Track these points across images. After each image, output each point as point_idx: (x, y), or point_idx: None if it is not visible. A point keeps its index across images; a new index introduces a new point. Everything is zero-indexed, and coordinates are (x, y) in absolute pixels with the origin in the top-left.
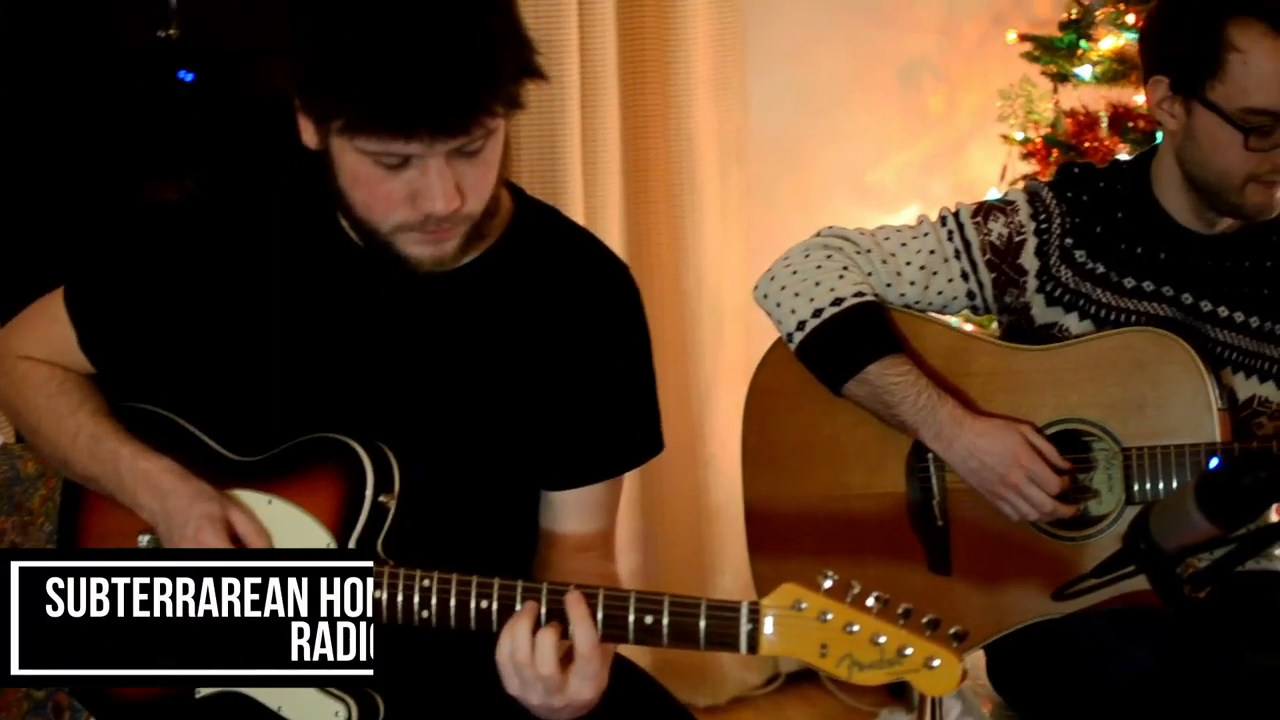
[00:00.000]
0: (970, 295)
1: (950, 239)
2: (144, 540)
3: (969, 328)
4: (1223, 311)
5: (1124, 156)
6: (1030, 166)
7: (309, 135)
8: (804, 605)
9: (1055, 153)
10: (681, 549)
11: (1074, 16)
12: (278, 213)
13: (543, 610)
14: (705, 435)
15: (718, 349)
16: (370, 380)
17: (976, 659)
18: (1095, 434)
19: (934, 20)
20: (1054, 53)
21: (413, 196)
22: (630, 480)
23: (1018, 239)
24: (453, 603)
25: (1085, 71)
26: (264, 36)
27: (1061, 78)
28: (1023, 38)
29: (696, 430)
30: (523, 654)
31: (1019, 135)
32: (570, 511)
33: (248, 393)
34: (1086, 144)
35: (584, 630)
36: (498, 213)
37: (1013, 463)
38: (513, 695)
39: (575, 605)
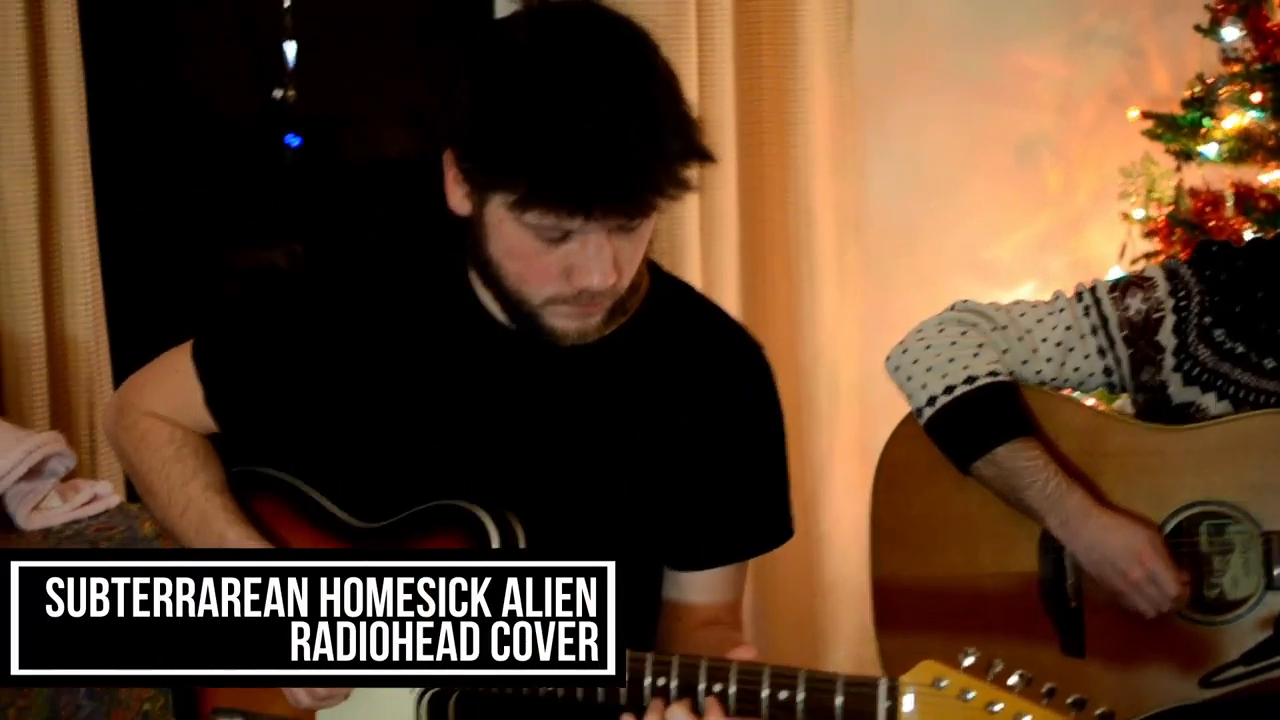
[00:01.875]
0: (1107, 372)
1: (1087, 314)
2: None
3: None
4: None
5: (1248, 234)
6: (1152, 245)
7: (458, 201)
8: (944, 683)
9: (1179, 231)
10: (794, 625)
11: (1197, 94)
12: (409, 277)
13: (673, 684)
14: (819, 511)
15: (833, 424)
16: (497, 449)
17: None
18: (1234, 516)
19: (1051, 98)
20: (1177, 130)
21: (569, 271)
22: None
23: (1155, 315)
24: None
25: (1210, 150)
26: (376, 102)
27: (1185, 156)
28: (1144, 115)
29: (810, 506)
30: None
31: (1139, 213)
32: (697, 587)
33: (372, 457)
34: (1211, 223)
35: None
36: (640, 288)
37: (1135, 560)
38: None
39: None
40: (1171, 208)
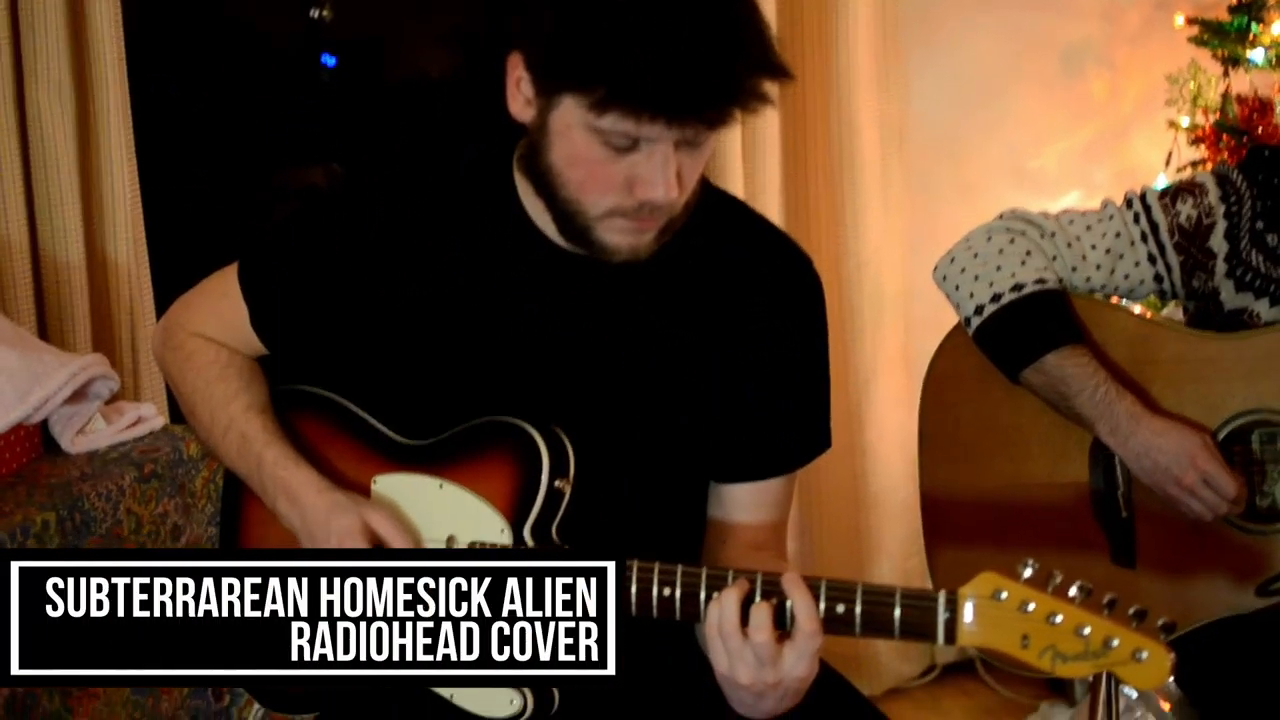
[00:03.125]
0: (1158, 279)
1: (1137, 221)
2: None
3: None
4: None
5: None
6: (1199, 152)
7: (520, 108)
8: (1004, 595)
9: (1226, 138)
10: (839, 538)
11: (1244, 0)
12: (454, 191)
13: (757, 590)
14: (864, 423)
15: (877, 336)
16: (545, 365)
17: None
18: None
19: (1096, 5)
20: (1224, 37)
21: (632, 182)
22: None
23: (1207, 221)
24: (633, 590)
25: (1258, 55)
26: (413, 22)
27: (1233, 62)
28: (1190, 21)
29: (855, 418)
30: (730, 623)
31: (1185, 121)
32: (742, 504)
33: (419, 375)
34: (1259, 129)
35: (805, 606)
36: (690, 206)
37: (1189, 464)
38: (720, 677)
39: (795, 585)
40: (1218, 115)
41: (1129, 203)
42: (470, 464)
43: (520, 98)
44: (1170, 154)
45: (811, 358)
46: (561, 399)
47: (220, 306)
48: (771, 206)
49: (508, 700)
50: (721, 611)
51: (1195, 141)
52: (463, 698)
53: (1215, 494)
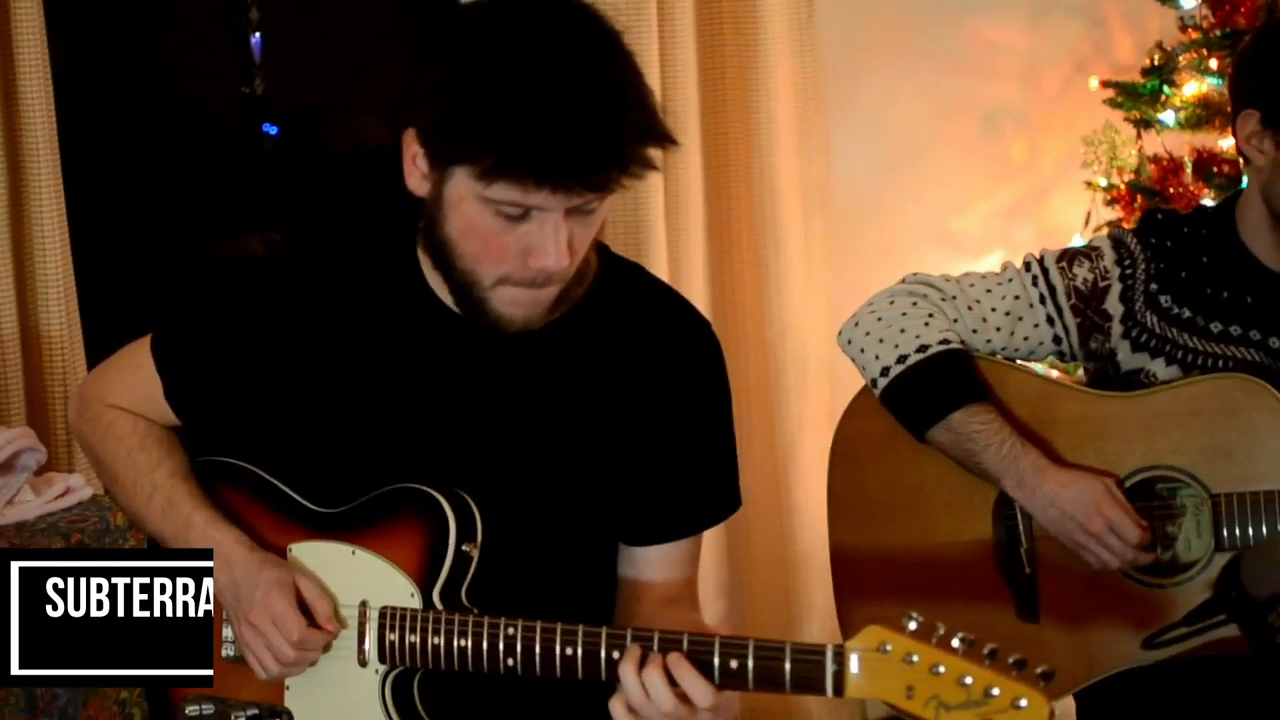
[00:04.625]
0: (1057, 340)
1: (1035, 284)
2: (228, 632)
3: (1055, 374)
4: None
5: (1208, 202)
6: (1115, 213)
7: (416, 182)
8: (889, 647)
9: (1140, 198)
10: (768, 597)
11: (1156, 62)
12: (359, 265)
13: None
14: (790, 484)
15: (802, 398)
16: (452, 433)
17: (1067, 706)
18: (1183, 480)
19: (1015, 69)
20: (1137, 99)
21: (525, 251)
22: (716, 529)
23: (1102, 284)
24: (537, 649)
25: (1169, 117)
26: (347, 91)
27: (1145, 124)
28: (1105, 84)
29: (782, 479)
30: (637, 697)
31: (1103, 181)
32: (653, 564)
33: (330, 444)
34: (1171, 190)
35: (695, 684)
36: (586, 277)
37: (1094, 512)
38: None
39: (678, 664)
40: (1134, 176)
41: (1028, 266)
42: (381, 530)
43: (416, 173)
44: (1088, 214)
45: (714, 421)
46: (469, 466)
47: (135, 378)
48: (695, 270)
49: None
50: (624, 687)
51: (1111, 202)
52: None
53: (1121, 541)
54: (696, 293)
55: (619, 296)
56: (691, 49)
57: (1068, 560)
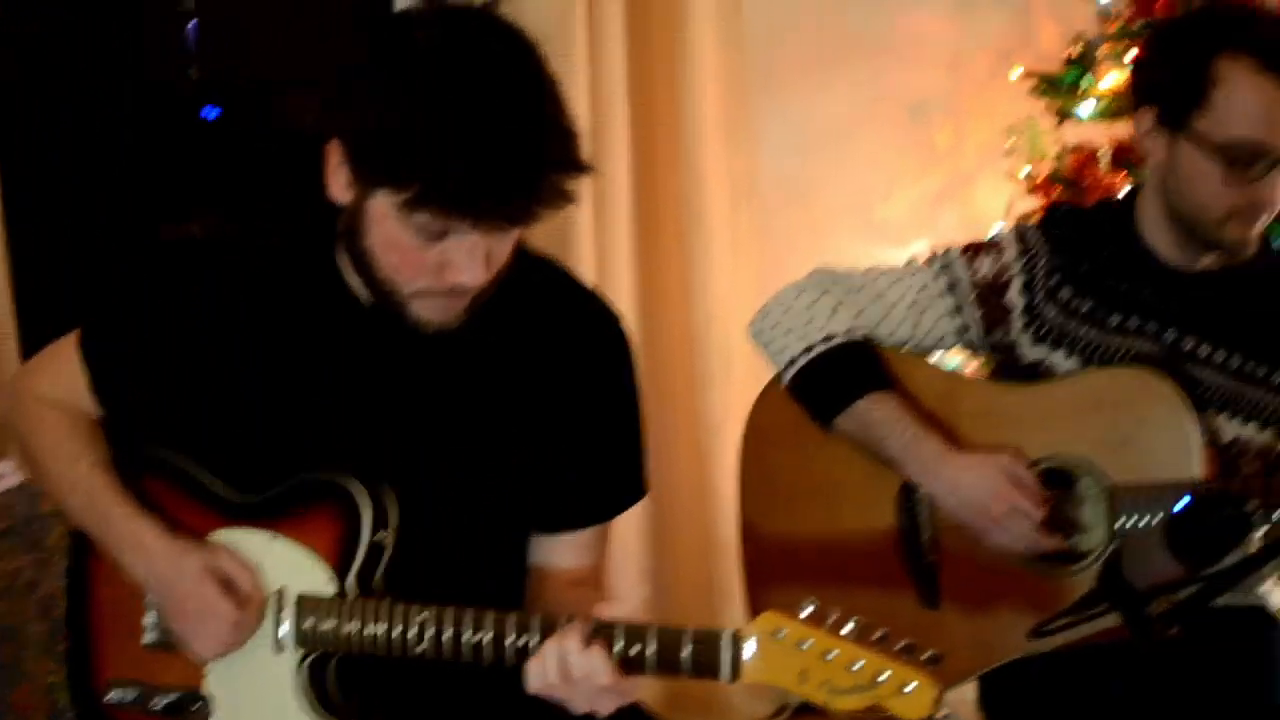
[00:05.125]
0: (960, 332)
1: (940, 277)
2: (149, 619)
3: (970, 366)
4: (1204, 351)
5: (1123, 194)
6: (1035, 202)
7: (339, 190)
8: (784, 632)
9: (1059, 189)
10: (691, 583)
11: (1078, 53)
12: (280, 259)
13: (532, 643)
14: (714, 471)
15: (727, 386)
16: (368, 424)
17: (969, 691)
18: (1082, 471)
19: (942, 57)
20: (1057, 89)
21: (443, 266)
22: (640, 515)
23: (1004, 277)
24: (446, 635)
25: (1088, 107)
26: (286, 70)
27: (1065, 114)
28: (1027, 74)
29: (705, 466)
30: (554, 674)
31: (1024, 171)
32: (561, 551)
33: (250, 434)
34: (1086, 180)
35: (598, 664)
36: (503, 273)
37: (994, 495)
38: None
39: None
40: (1053, 165)
41: (932, 259)
42: (299, 518)
43: (338, 182)
44: (1011, 203)
45: (621, 412)
46: (385, 456)
47: (62, 372)
48: (621, 259)
49: None
50: (543, 670)
51: (1032, 191)
52: None
53: (1025, 520)
54: (623, 282)
55: (530, 291)
56: (620, 38)
57: (969, 549)
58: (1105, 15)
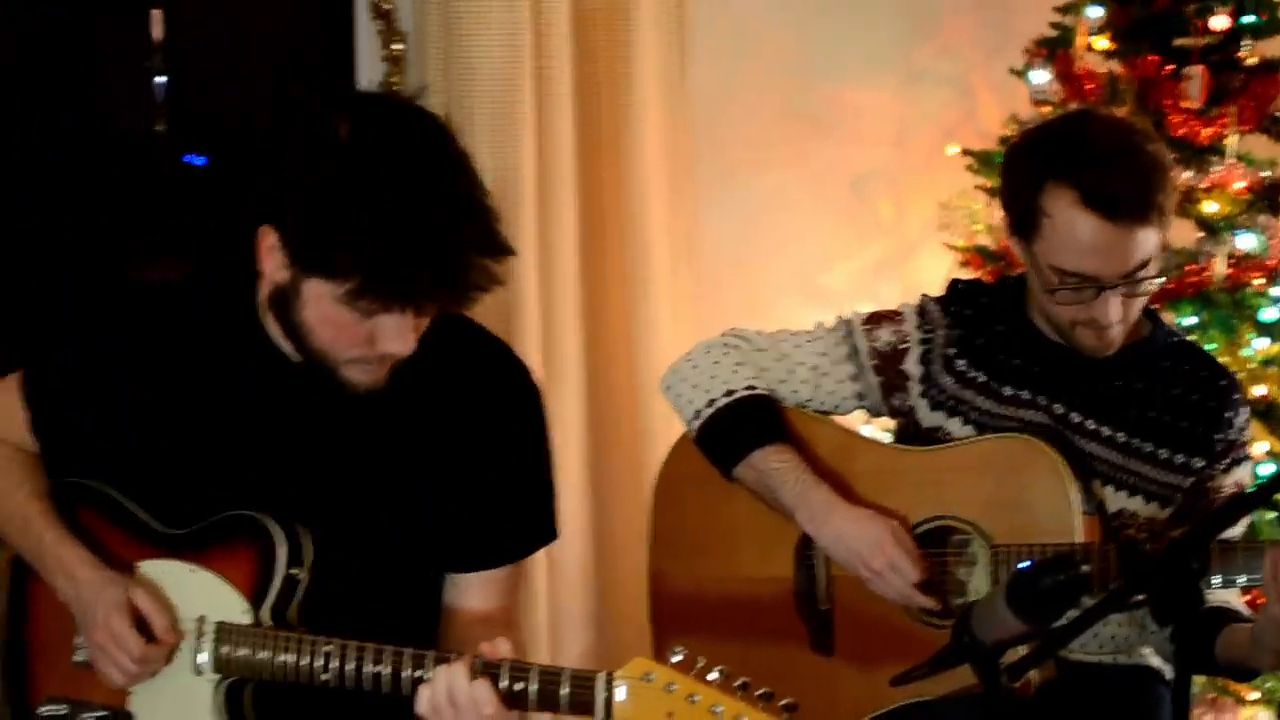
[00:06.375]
0: (859, 396)
1: (841, 343)
2: (79, 639)
3: (864, 428)
4: (1091, 425)
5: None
6: (969, 274)
7: (273, 269)
8: (653, 676)
9: (986, 262)
10: (633, 628)
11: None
12: (207, 311)
13: (427, 676)
14: None
15: (669, 439)
16: (289, 467)
17: None
18: (968, 531)
19: (886, 132)
20: (991, 166)
21: (373, 338)
22: (584, 561)
23: (902, 346)
24: (349, 666)
25: None
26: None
27: (995, 191)
28: (964, 152)
29: (647, 516)
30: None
31: (959, 244)
32: (472, 590)
33: (178, 474)
34: (1012, 255)
35: (483, 694)
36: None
37: (876, 550)
38: None
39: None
40: (985, 239)
41: (836, 325)
42: (219, 552)
43: (273, 262)
44: (949, 275)
45: (529, 459)
46: (304, 498)
47: (3, 410)
48: (568, 316)
49: None
50: (433, 695)
51: (964, 264)
52: None
53: (901, 578)
54: (569, 339)
55: (443, 344)
56: (568, 105)
57: (861, 601)
58: (1037, 99)
